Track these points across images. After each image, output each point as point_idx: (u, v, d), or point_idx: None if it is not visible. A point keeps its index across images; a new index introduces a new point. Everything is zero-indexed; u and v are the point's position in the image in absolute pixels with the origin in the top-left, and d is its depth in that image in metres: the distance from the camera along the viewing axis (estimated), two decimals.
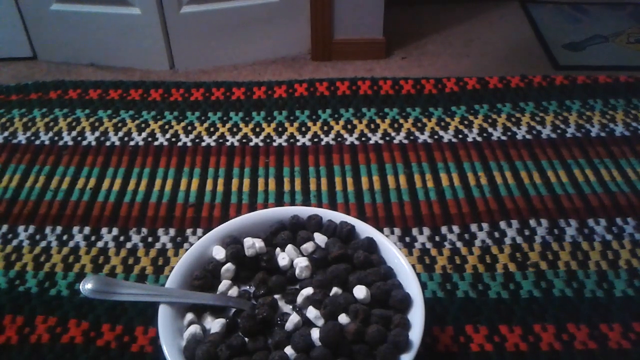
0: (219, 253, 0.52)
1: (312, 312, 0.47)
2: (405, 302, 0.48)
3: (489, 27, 2.26)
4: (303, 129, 0.77)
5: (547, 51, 2.09)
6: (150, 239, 0.63)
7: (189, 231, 0.63)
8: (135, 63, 2.01)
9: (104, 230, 0.64)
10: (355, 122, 0.78)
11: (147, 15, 1.89)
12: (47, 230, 0.64)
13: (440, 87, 0.84)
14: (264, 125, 0.78)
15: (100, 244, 0.62)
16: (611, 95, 0.82)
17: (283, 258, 0.52)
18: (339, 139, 0.75)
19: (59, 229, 0.64)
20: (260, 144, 0.75)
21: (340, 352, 0.45)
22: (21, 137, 0.77)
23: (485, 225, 0.63)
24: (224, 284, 0.50)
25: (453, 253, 0.61)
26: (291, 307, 0.49)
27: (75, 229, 0.64)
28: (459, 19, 2.32)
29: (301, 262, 0.51)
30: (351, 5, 1.95)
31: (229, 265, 0.51)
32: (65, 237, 0.63)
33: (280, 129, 0.77)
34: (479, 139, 0.75)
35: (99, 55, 2.02)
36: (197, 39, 1.97)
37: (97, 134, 0.77)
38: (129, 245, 0.62)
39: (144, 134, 0.77)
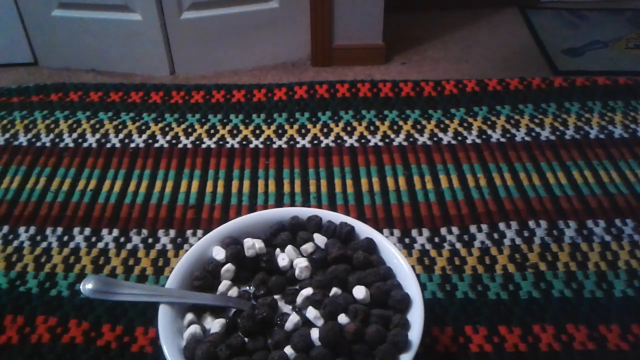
0: (219, 254, 0.52)
1: (311, 312, 0.47)
2: (405, 302, 0.48)
3: (488, 32, 2.26)
4: (303, 131, 0.77)
5: (546, 57, 2.10)
6: (150, 240, 0.63)
7: (189, 232, 0.63)
8: (135, 69, 2.02)
9: (105, 231, 0.64)
10: (355, 124, 0.78)
11: (147, 21, 1.90)
12: (48, 231, 0.64)
13: (440, 89, 0.84)
14: (264, 127, 0.78)
15: (100, 245, 0.62)
16: (610, 97, 0.82)
17: (283, 259, 0.52)
18: (339, 141, 0.76)
19: (59, 230, 0.64)
20: (260, 146, 0.75)
21: (339, 352, 0.45)
22: (22, 139, 0.77)
23: (484, 227, 0.63)
24: (224, 284, 0.51)
25: (452, 254, 0.61)
26: (291, 307, 0.50)
27: (76, 230, 0.64)
28: (459, 25, 2.33)
29: (301, 263, 0.51)
30: (351, 11, 1.96)
31: (229, 265, 0.51)
32: (65, 238, 0.63)
33: (280, 131, 0.77)
34: (478, 141, 0.75)
35: (99, 61, 2.02)
36: (197, 45, 1.97)
37: (97, 135, 0.77)
38: (129, 246, 0.62)
39: (144, 136, 0.77)
